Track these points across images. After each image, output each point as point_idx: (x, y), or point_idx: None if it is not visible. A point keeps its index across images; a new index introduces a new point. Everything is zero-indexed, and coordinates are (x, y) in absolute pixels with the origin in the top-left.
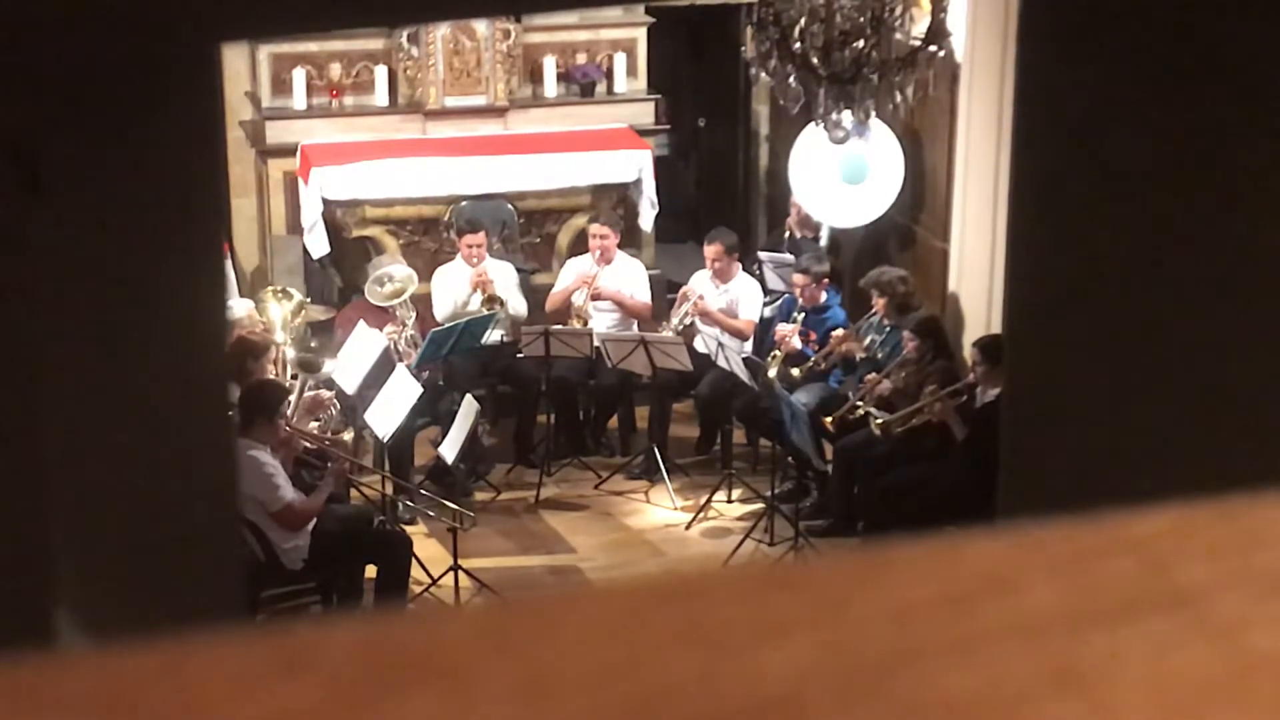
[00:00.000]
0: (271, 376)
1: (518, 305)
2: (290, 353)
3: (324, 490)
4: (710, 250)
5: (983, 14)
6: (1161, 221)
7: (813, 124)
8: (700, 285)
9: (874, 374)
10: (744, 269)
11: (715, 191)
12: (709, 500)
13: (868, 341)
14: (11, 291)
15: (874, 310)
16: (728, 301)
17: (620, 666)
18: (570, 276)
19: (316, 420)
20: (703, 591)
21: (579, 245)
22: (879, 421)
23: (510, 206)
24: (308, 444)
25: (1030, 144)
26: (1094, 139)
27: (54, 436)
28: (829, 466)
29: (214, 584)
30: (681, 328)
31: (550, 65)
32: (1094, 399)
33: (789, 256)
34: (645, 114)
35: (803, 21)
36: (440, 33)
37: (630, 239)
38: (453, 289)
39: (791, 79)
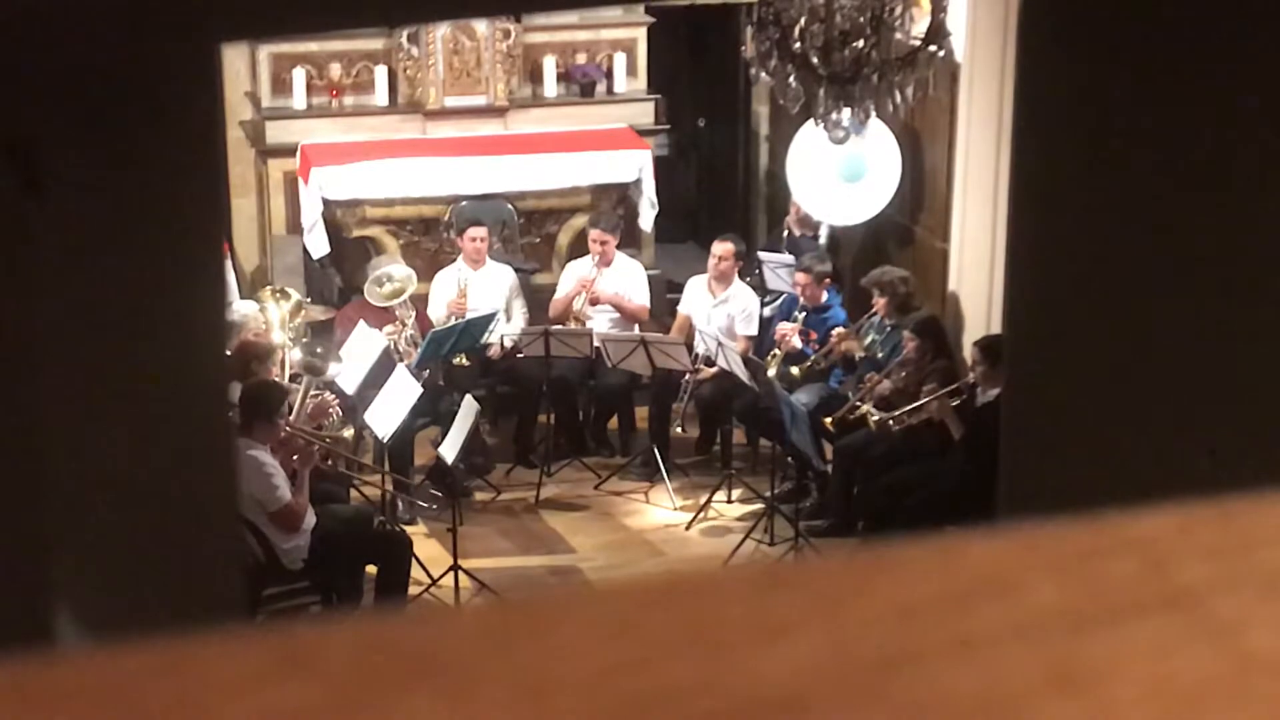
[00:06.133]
0: (275, 379)
1: (518, 317)
2: (296, 355)
3: (303, 482)
4: (721, 248)
5: (983, 14)
6: (1161, 221)
7: (810, 122)
8: (696, 292)
9: (874, 374)
10: (744, 270)
11: (715, 191)
12: (709, 500)
13: (868, 341)
14: (12, 292)
15: (874, 310)
16: (725, 315)
17: (620, 667)
18: (570, 281)
19: (320, 427)
20: (703, 591)
21: (579, 245)
22: (875, 419)
23: (510, 206)
24: (325, 460)
25: (1030, 144)
26: (1094, 139)
27: (54, 436)
28: (829, 466)
29: (214, 584)
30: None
31: (550, 65)
32: (1094, 399)
33: (789, 257)
34: (645, 114)
35: (803, 21)
36: (440, 33)
37: (630, 239)
38: (450, 294)
39: (791, 79)
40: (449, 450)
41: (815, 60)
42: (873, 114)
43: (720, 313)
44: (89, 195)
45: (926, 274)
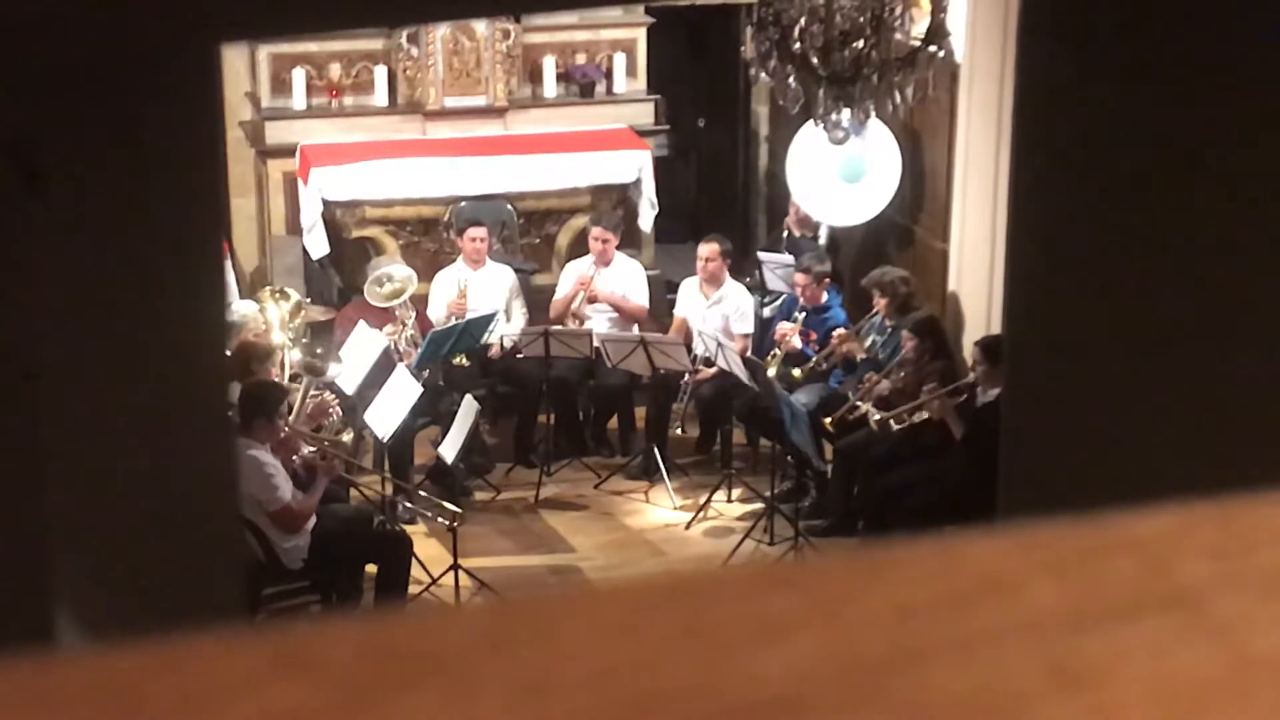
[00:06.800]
0: (274, 379)
1: (518, 317)
2: (295, 355)
3: (317, 489)
4: (706, 250)
5: (983, 14)
6: (1161, 221)
7: (810, 123)
8: (690, 294)
9: (874, 374)
10: (744, 271)
11: (715, 191)
12: (709, 500)
13: (869, 342)
14: (11, 291)
15: (875, 310)
16: (720, 316)
17: (620, 666)
18: (570, 282)
19: (319, 427)
20: (703, 591)
21: (579, 245)
22: (876, 419)
23: (510, 207)
24: (308, 447)
25: (1030, 144)
26: (1094, 139)
27: (54, 436)
28: (829, 466)
29: (214, 584)
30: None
31: (550, 65)
32: (1094, 399)
33: (788, 257)
34: (645, 114)
35: (803, 21)
36: (440, 33)
37: (630, 239)
38: (450, 294)
39: (791, 79)
40: (449, 450)
41: (815, 60)
42: (873, 114)
43: (715, 313)
44: (89, 194)
45: (926, 274)
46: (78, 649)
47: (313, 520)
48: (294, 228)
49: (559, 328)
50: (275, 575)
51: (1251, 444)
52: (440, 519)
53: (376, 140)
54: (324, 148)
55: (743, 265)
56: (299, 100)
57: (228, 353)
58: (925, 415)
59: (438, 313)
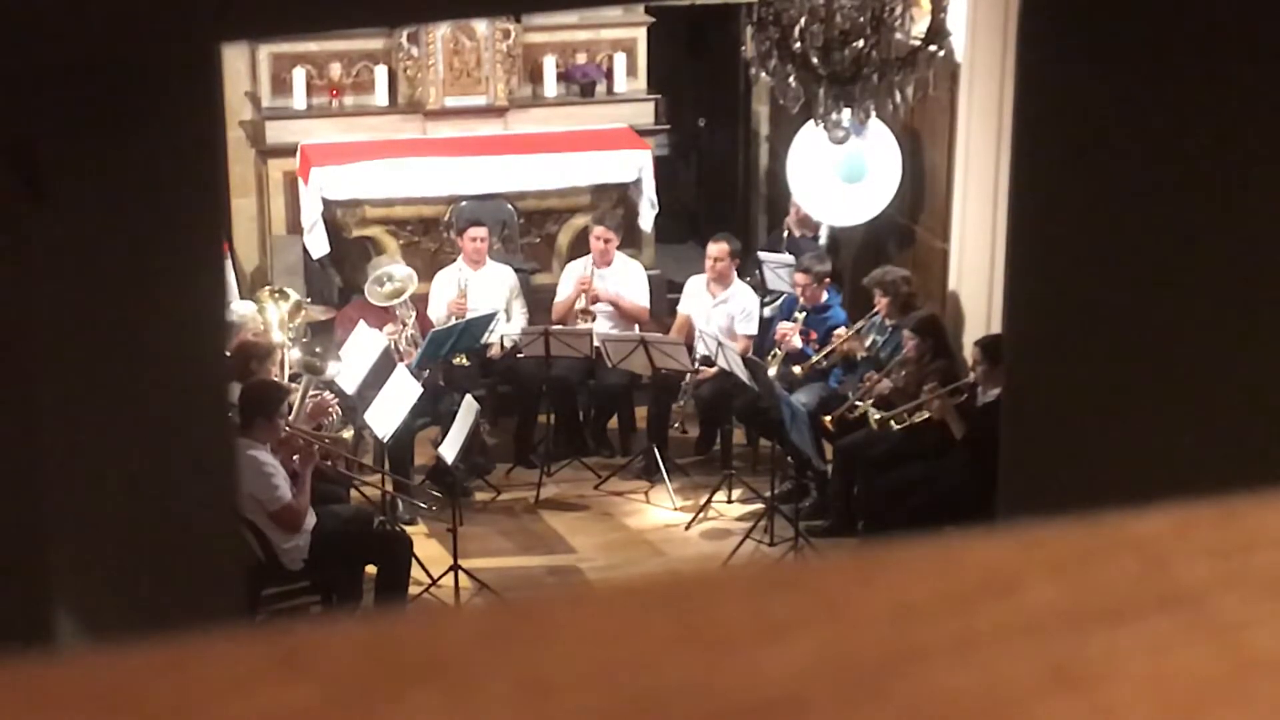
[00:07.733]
0: (274, 378)
1: (518, 317)
2: (295, 354)
3: (304, 482)
4: (716, 249)
5: (983, 14)
6: (1161, 222)
7: (811, 123)
8: (696, 292)
9: (874, 373)
10: (745, 270)
11: (715, 191)
12: (709, 500)
13: (870, 341)
14: (12, 291)
15: (876, 310)
16: (725, 315)
17: (620, 667)
18: (570, 283)
19: (319, 426)
20: (703, 591)
21: (579, 245)
22: (876, 419)
23: (510, 206)
24: (325, 460)
25: (1030, 144)
26: (1094, 139)
27: (54, 436)
28: (829, 466)
29: (214, 584)
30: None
31: (550, 65)
32: (1094, 399)
33: (789, 257)
34: (645, 114)
35: (803, 21)
36: (440, 33)
37: (630, 239)
38: (450, 294)
39: (791, 79)
40: (449, 450)
41: (815, 60)
42: (873, 114)
43: (720, 313)
44: (89, 195)
45: (926, 274)
46: (78, 649)
47: (313, 520)
48: (294, 227)
49: (559, 327)
50: (275, 575)
51: (1251, 444)
52: (431, 507)
53: (377, 140)
54: (324, 147)
55: (743, 265)
56: (299, 100)
57: (228, 353)
58: (925, 415)
59: (438, 312)
